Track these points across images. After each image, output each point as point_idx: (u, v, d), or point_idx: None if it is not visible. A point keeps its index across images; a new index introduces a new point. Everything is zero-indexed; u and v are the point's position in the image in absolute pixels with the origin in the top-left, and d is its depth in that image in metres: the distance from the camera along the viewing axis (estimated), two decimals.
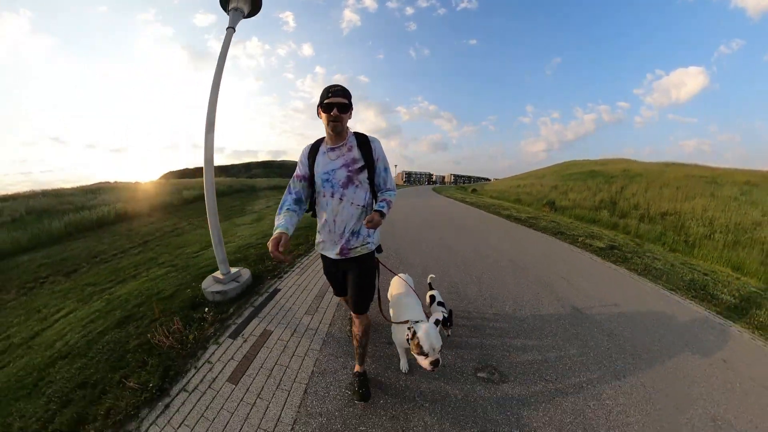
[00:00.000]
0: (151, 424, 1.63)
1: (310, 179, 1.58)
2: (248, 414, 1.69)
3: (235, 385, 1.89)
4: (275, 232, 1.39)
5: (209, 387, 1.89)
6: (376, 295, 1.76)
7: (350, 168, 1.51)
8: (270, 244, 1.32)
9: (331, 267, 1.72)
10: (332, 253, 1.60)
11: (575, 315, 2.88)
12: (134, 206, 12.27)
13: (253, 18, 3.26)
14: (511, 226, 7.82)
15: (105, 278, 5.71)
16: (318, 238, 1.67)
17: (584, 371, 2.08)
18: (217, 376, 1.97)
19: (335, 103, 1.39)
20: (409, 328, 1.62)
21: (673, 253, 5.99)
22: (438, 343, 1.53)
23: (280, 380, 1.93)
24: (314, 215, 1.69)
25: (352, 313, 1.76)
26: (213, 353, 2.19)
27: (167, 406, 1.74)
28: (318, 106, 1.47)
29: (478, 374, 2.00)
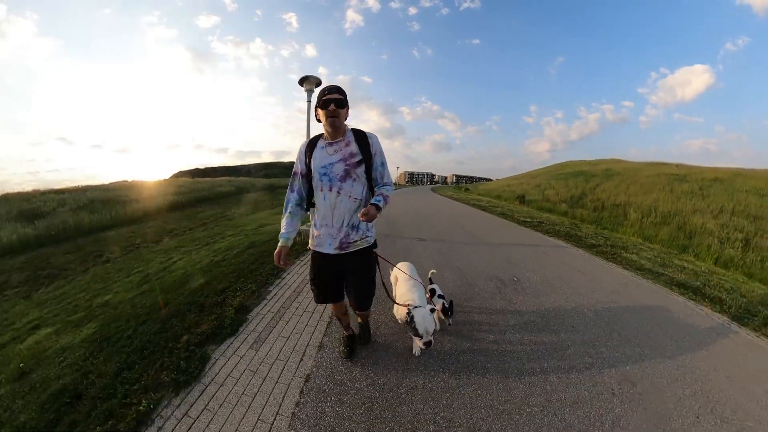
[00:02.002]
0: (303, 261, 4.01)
1: (307, 175, 1.63)
2: None
3: None
4: (279, 245, 1.64)
5: None
6: (379, 281, 1.83)
7: (348, 162, 1.56)
8: (275, 257, 1.63)
9: (324, 266, 1.71)
10: (330, 248, 1.63)
11: (470, 235, 5.64)
12: (179, 199, 14.63)
13: (254, 19, 5.92)
14: (469, 209, 10.93)
15: (191, 243, 7.93)
16: (314, 233, 1.70)
17: (467, 250, 4.46)
18: None
19: (332, 99, 1.49)
20: (408, 313, 1.76)
21: (603, 230, 8.13)
22: (431, 327, 1.72)
23: None
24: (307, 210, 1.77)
25: (356, 312, 1.89)
26: None
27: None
28: (316, 107, 1.58)
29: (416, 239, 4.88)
